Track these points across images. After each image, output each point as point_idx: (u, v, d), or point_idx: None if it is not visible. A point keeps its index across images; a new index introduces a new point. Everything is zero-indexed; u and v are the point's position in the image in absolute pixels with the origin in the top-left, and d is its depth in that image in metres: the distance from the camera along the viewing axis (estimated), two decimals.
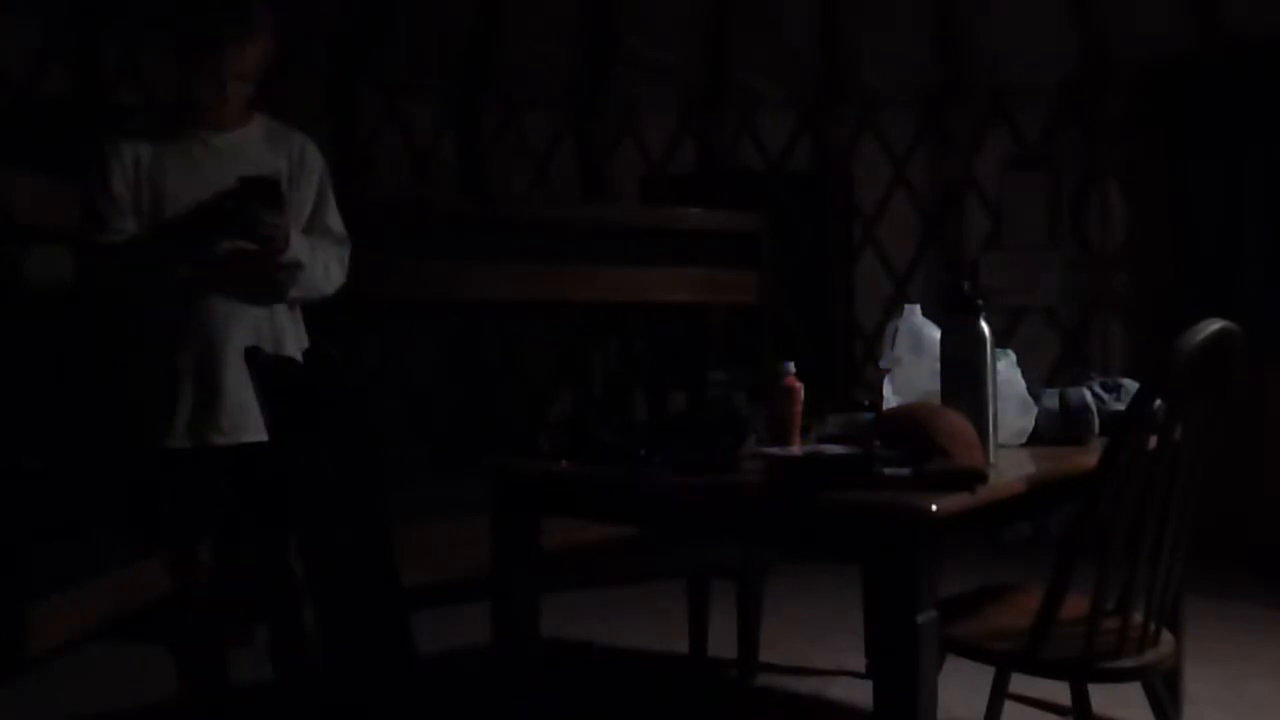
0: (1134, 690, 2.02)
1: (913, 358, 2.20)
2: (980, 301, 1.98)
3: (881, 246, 5.39)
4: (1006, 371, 2.16)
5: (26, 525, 3.20)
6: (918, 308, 2.29)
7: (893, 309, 5.35)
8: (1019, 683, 2.17)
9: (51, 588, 3.14)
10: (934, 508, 1.52)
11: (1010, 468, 1.94)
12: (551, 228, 4.45)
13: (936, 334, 2.09)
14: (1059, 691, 2.07)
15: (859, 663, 3.11)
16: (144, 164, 2.28)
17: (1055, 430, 2.24)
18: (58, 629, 3.13)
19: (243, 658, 3.36)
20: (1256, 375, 4.33)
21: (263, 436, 1.97)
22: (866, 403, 2.46)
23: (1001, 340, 2.10)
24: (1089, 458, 1.89)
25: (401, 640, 1.57)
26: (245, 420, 2.25)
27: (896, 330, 2.28)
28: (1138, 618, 1.78)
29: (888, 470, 1.65)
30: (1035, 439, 2.22)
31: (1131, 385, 2.32)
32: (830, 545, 1.75)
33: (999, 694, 2.21)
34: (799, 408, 2.09)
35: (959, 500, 1.59)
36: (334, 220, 2.49)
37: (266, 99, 2.47)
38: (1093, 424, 2.25)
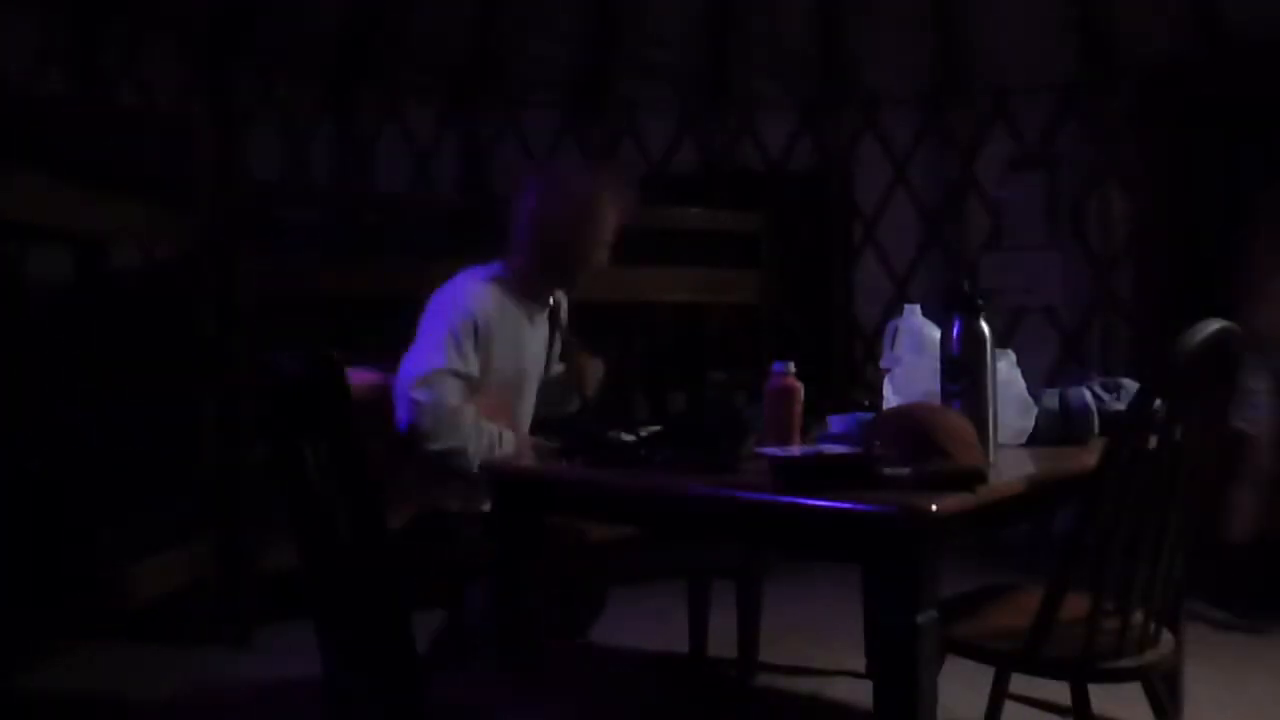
0: (1134, 690, 2.02)
1: (913, 358, 2.20)
2: (980, 301, 1.98)
3: (882, 246, 5.39)
4: (1006, 372, 2.16)
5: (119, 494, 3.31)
6: (918, 308, 2.29)
7: (893, 309, 5.34)
8: (1019, 682, 2.17)
9: (144, 550, 3.21)
10: (934, 508, 1.52)
11: (1010, 468, 1.94)
12: None
13: (936, 334, 2.09)
14: (1059, 691, 2.07)
15: (859, 663, 3.11)
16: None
17: (1055, 430, 2.24)
18: (152, 586, 3.20)
19: (243, 658, 3.38)
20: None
21: None
22: (866, 403, 2.46)
23: (1002, 340, 2.09)
24: (1089, 458, 1.89)
25: (401, 640, 1.57)
26: None
27: (896, 330, 2.28)
28: (1138, 618, 1.78)
29: (888, 470, 1.65)
30: (1035, 439, 2.21)
31: (1132, 385, 2.32)
32: (830, 545, 1.75)
33: (999, 694, 2.21)
34: (799, 408, 2.09)
35: (959, 500, 1.59)
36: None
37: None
38: (1093, 424, 2.25)
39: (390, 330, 2.57)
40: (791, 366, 2.10)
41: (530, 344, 2.56)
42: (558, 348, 2.72)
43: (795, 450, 1.88)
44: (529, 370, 2.57)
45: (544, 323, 2.64)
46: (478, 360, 2.39)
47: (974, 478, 1.64)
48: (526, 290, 2.53)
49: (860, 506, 1.57)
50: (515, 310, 2.51)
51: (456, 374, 2.34)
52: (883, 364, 2.28)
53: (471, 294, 2.45)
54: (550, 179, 2.52)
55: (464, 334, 2.37)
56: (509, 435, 2.42)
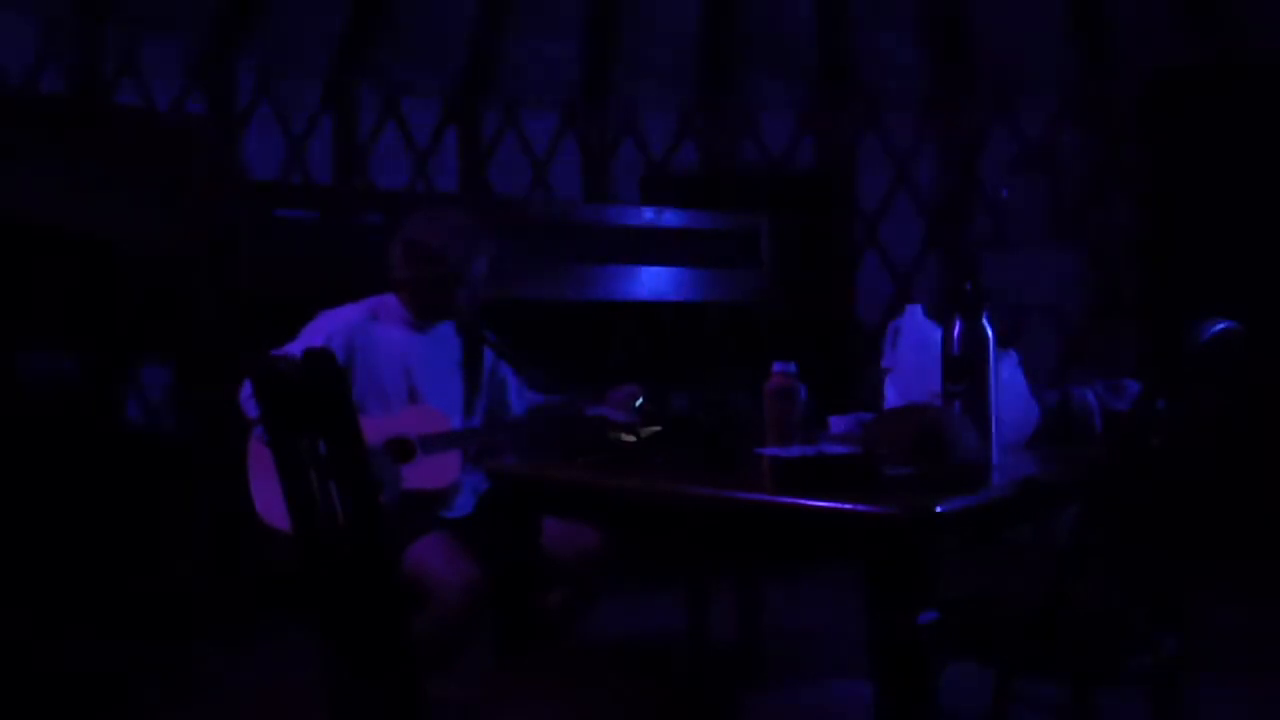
0: (1136, 691, 2.01)
1: (914, 358, 2.20)
2: (983, 301, 1.97)
3: (884, 246, 5.38)
4: (1009, 371, 2.15)
5: None
6: (919, 307, 2.28)
7: (895, 309, 5.34)
8: (1020, 683, 2.16)
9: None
10: (935, 508, 1.51)
11: (1012, 468, 1.93)
12: (552, 228, 4.44)
13: (938, 334, 2.08)
14: (1061, 692, 2.06)
15: (859, 663, 3.10)
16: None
17: (1058, 431, 2.23)
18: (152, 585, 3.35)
19: (243, 658, 3.37)
20: (1257, 375, 4.33)
21: None
22: (867, 403, 2.45)
23: (1005, 340, 2.09)
24: (1091, 458, 1.88)
25: (400, 638, 1.56)
26: None
27: (898, 330, 2.27)
28: (1141, 619, 1.77)
29: (889, 470, 1.64)
30: (1038, 439, 2.21)
31: (1135, 386, 2.31)
32: (831, 546, 1.74)
33: (1001, 695, 2.20)
34: (799, 408, 2.08)
35: (960, 501, 1.58)
36: None
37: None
38: (1095, 424, 2.24)
39: None
40: (792, 367, 2.09)
41: (425, 356, 2.70)
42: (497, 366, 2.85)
43: (795, 450, 1.88)
44: (422, 377, 2.68)
45: (446, 338, 2.77)
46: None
47: (975, 478, 1.63)
48: (413, 312, 2.71)
49: (861, 507, 1.56)
50: (397, 325, 2.68)
51: None
52: (884, 364, 2.27)
53: (335, 313, 2.64)
54: (413, 236, 2.69)
55: (310, 335, 2.55)
56: None
